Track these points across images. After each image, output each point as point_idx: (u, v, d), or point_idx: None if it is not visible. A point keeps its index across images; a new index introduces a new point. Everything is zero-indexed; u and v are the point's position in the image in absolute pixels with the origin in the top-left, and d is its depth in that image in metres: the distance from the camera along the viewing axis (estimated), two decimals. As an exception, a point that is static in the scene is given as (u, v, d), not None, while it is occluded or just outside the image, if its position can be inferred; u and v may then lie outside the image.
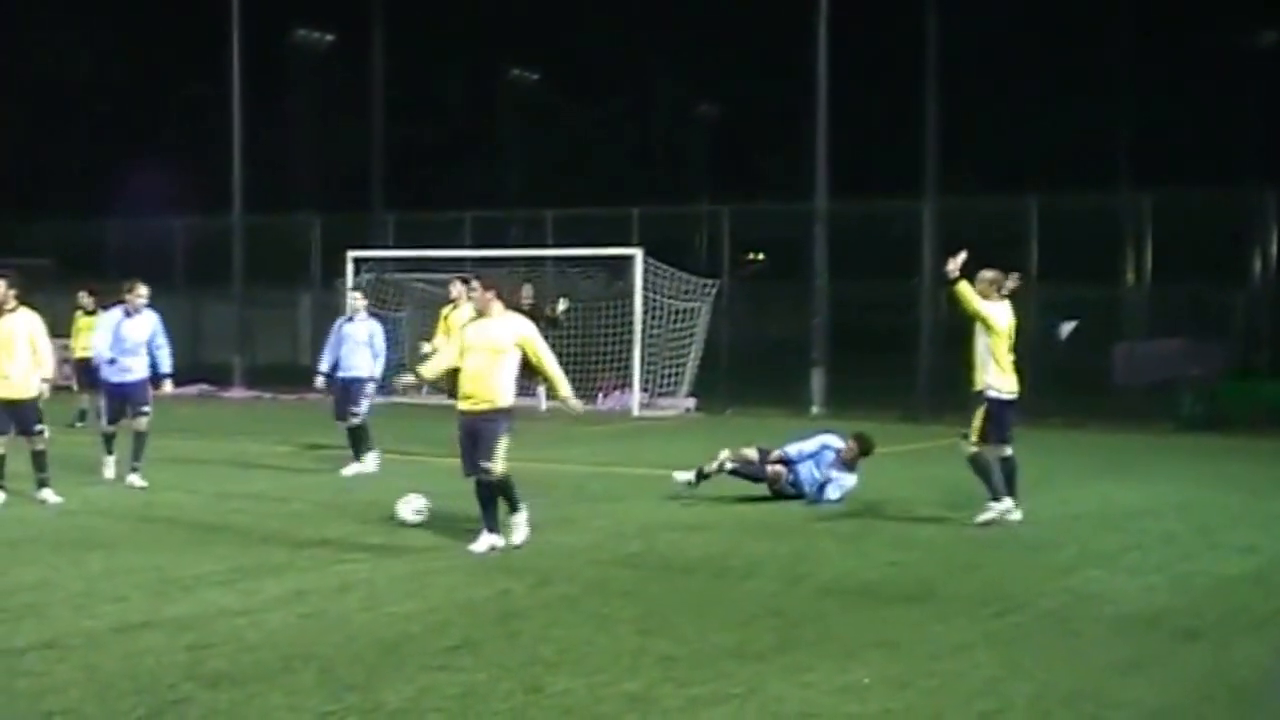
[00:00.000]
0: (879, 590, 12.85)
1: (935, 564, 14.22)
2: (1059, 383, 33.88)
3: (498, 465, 14.43)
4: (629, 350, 33.38)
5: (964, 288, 16.40)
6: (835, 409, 32.32)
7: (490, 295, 14.74)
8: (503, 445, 14.48)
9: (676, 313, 34.27)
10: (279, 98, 58.01)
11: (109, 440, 19.82)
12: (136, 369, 19.50)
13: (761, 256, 52.03)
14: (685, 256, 38.00)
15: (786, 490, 18.25)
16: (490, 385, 14.52)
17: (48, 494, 17.69)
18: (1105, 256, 36.18)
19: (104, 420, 20.20)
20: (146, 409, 19.46)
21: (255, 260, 40.84)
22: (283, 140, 58.34)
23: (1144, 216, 34.48)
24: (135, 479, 19.05)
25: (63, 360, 26.47)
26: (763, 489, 18.42)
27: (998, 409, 16.76)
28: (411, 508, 16.26)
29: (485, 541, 14.47)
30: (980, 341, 16.73)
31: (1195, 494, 20.17)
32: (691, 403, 34.28)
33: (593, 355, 34.43)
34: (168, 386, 20.17)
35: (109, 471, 19.66)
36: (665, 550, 14.90)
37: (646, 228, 36.42)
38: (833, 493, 18.10)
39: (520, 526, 14.72)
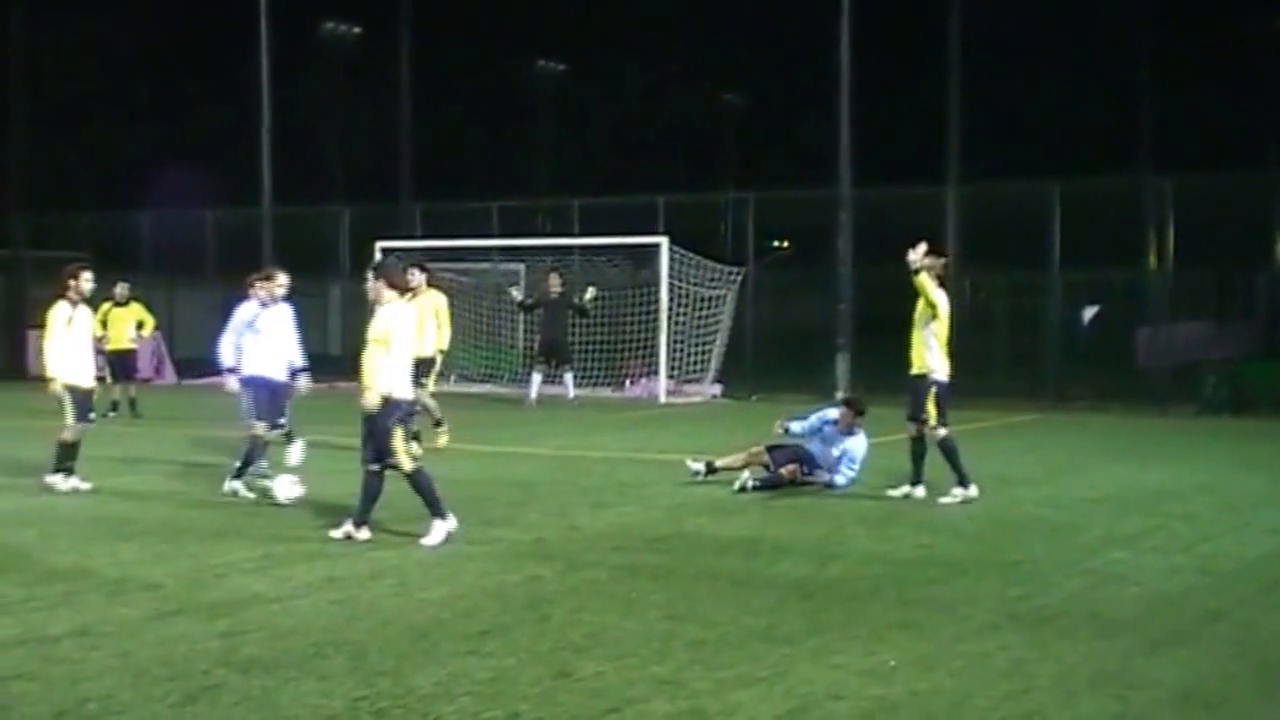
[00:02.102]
0: (905, 573, 12.89)
1: (961, 547, 14.28)
2: (1083, 366, 33.95)
3: (404, 462, 14.20)
4: (655, 338, 33.46)
5: (924, 278, 17.10)
6: (860, 394, 32.31)
7: (381, 284, 14.46)
8: (398, 438, 14.21)
9: (702, 300, 34.32)
10: (307, 89, 58.11)
11: (262, 448, 17.63)
12: (280, 369, 17.90)
13: (787, 244, 52.08)
14: (711, 244, 38.09)
15: (810, 481, 18.26)
16: (372, 376, 14.27)
17: (56, 479, 17.86)
18: (1128, 240, 36.11)
19: (257, 422, 17.51)
20: (283, 421, 18.10)
21: (285, 251, 40.88)
22: (311, 132, 58.44)
23: (1166, 200, 34.41)
24: (237, 485, 17.34)
25: (97, 351, 26.72)
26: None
27: (941, 391, 17.40)
28: (284, 490, 16.53)
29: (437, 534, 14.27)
30: (926, 327, 17.31)
31: (1219, 475, 20.18)
32: (718, 389, 34.35)
33: (620, 343, 34.55)
34: (304, 382, 18.34)
35: (291, 489, 16.83)
36: (693, 535, 14.98)
37: (672, 216, 36.45)
38: (843, 476, 18.12)
39: (438, 530, 14.16)
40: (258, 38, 41.60)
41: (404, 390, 14.37)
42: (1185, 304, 35.59)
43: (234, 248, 41.40)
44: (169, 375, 39.65)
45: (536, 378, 31.93)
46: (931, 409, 17.25)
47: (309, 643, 10.16)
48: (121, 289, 29.04)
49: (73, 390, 17.70)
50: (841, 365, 33.96)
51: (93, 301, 18.59)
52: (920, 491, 17.40)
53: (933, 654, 9.96)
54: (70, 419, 17.70)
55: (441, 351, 22.67)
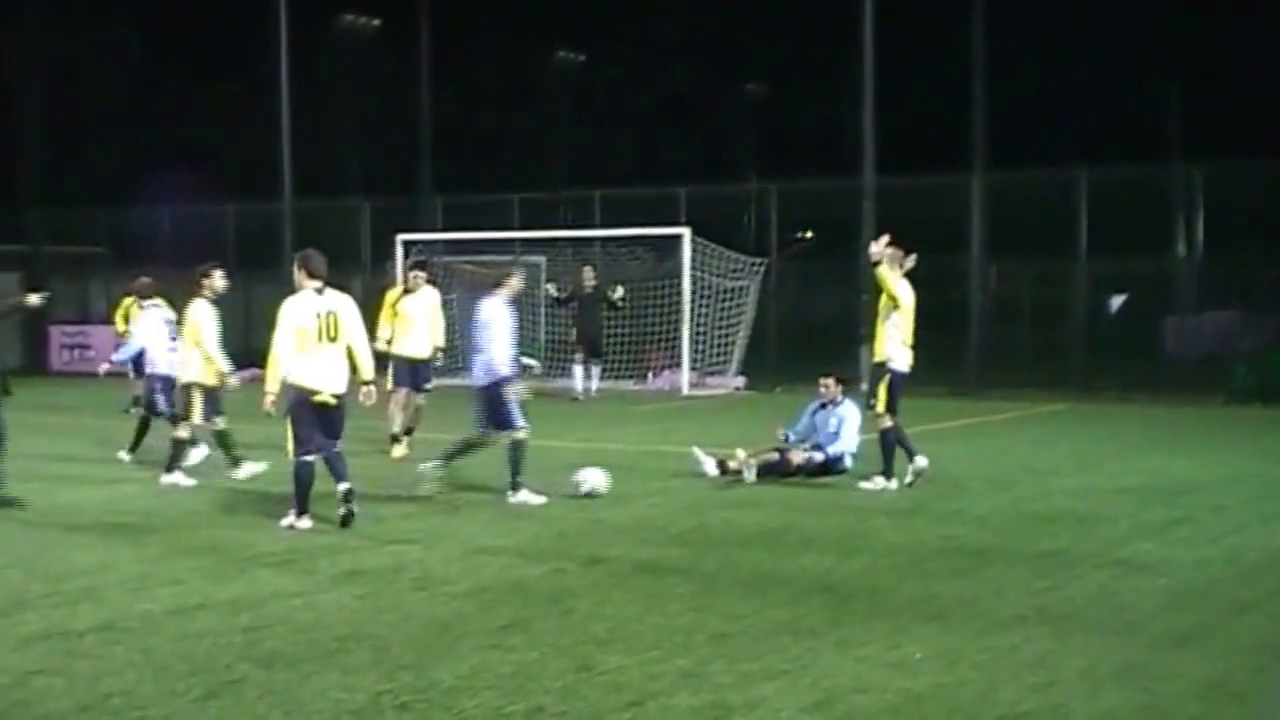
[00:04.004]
0: (930, 565, 12.83)
1: (986, 538, 14.22)
2: (1110, 355, 33.79)
3: (289, 449, 14.67)
4: (678, 329, 33.41)
5: (884, 270, 17.32)
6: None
7: (302, 274, 15.03)
8: (288, 429, 14.68)
9: (725, 292, 34.25)
10: (326, 83, 58.11)
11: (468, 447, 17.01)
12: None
13: (810, 234, 51.93)
14: (733, 235, 37.97)
15: (818, 461, 18.19)
16: (271, 365, 14.77)
17: (242, 470, 18.50)
18: (1156, 229, 35.94)
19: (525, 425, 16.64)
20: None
21: (305, 245, 40.53)
22: (330, 125, 58.44)
23: (1195, 188, 34.24)
24: (531, 496, 16.49)
25: (116, 346, 26.71)
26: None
27: (897, 381, 17.50)
28: (590, 482, 16.77)
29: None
30: (888, 319, 17.51)
31: (1247, 466, 20.05)
32: (741, 381, 34.29)
33: (642, 335, 34.50)
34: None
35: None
36: (716, 527, 14.93)
37: (694, 207, 36.36)
38: (841, 444, 18.11)
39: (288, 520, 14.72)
40: (276, 31, 41.59)
41: (307, 380, 14.54)
42: (1213, 293, 35.41)
43: (254, 242, 41.43)
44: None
45: (579, 370, 31.99)
46: (882, 398, 17.42)
47: (331, 637, 10.15)
48: (143, 283, 28.98)
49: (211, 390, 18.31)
50: (864, 357, 33.80)
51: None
52: (921, 460, 17.54)
53: (958, 647, 9.90)
54: (199, 418, 18.14)
55: (439, 348, 22.52)
